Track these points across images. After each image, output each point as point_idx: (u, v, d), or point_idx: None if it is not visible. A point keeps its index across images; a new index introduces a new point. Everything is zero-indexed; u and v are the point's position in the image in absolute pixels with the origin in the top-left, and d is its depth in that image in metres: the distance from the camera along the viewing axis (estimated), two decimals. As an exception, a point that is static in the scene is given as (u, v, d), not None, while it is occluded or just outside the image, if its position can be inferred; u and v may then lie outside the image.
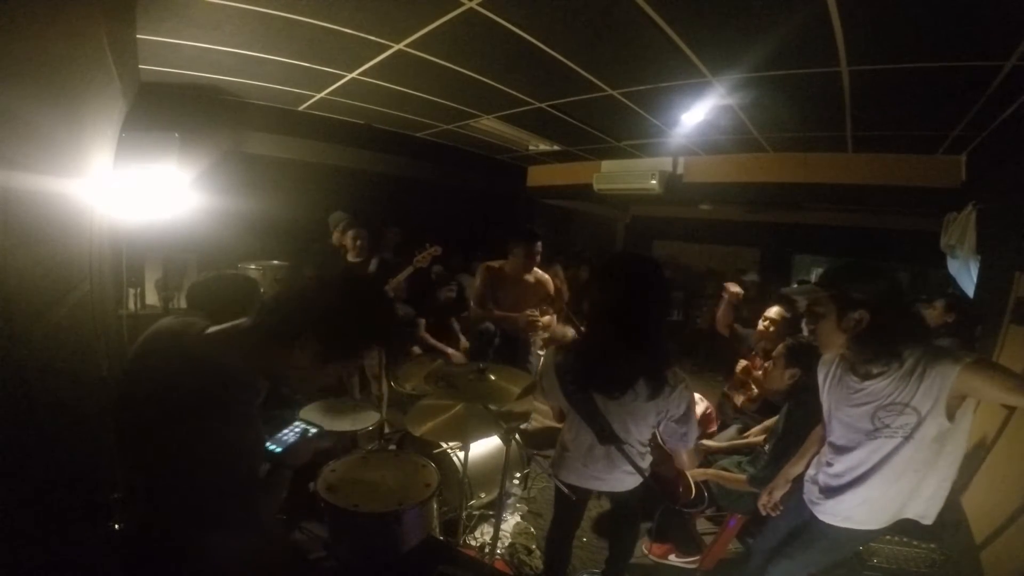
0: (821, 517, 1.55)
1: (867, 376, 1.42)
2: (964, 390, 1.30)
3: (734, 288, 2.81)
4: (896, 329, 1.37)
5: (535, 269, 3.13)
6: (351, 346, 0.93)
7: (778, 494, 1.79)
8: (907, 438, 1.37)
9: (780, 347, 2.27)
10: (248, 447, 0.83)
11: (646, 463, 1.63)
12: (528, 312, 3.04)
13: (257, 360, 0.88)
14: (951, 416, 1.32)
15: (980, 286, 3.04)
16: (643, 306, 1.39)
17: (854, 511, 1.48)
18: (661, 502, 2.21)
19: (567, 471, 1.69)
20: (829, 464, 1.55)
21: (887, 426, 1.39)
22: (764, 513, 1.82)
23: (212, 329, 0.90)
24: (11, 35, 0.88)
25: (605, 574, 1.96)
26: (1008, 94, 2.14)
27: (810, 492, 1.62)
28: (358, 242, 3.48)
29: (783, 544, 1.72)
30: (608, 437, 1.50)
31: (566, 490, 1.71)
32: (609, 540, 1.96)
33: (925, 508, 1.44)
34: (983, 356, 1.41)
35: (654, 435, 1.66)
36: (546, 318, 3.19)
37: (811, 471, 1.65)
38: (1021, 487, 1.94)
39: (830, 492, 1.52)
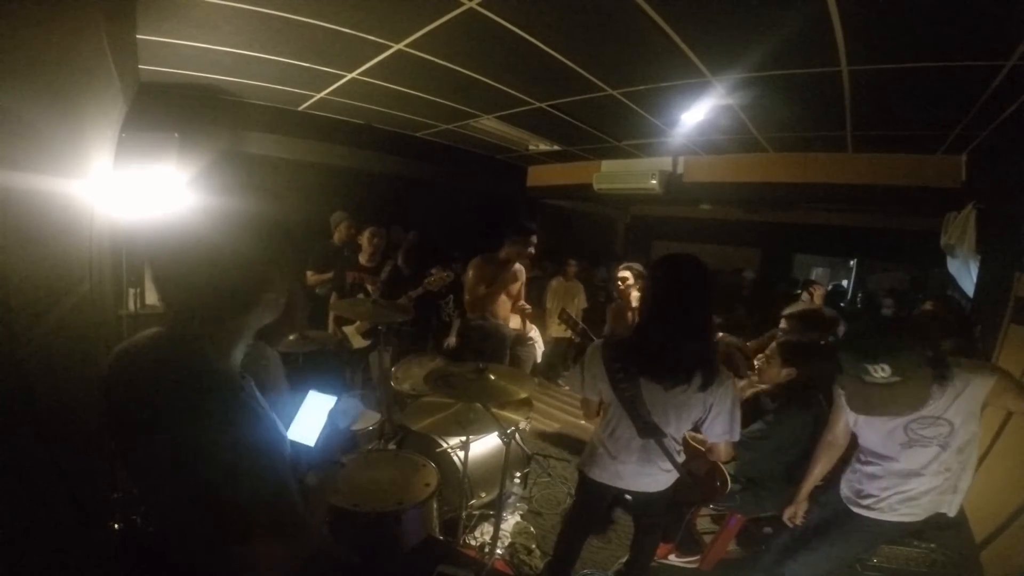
0: (858, 512, 1.59)
1: None
2: (994, 402, 1.37)
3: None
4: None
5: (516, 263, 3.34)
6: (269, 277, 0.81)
7: (803, 511, 1.82)
8: (943, 446, 1.42)
9: (774, 344, 2.24)
10: (263, 445, 0.74)
11: (681, 460, 1.67)
12: (519, 307, 3.34)
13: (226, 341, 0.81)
14: (977, 422, 1.40)
15: (980, 286, 3.04)
16: (697, 299, 1.49)
17: (894, 507, 1.52)
18: (693, 504, 2.25)
19: (598, 468, 1.71)
20: (866, 464, 1.59)
21: (921, 437, 1.44)
22: (791, 525, 1.85)
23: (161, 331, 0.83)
24: (11, 35, 0.88)
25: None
26: (1008, 94, 2.14)
27: (848, 490, 1.65)
28: (375, 240, 3.39)
29: (807, 537, 1.75)
30: (650, 430, 1.56)
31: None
32: (632, 543, 1.98)
33: (955, 502, 1.50)
34: (1003, 368, 1.48)
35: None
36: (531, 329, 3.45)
37: (848, 472, 1.68)
38: (1021, 487, 1.95)
39: (867, 491, 1.57)
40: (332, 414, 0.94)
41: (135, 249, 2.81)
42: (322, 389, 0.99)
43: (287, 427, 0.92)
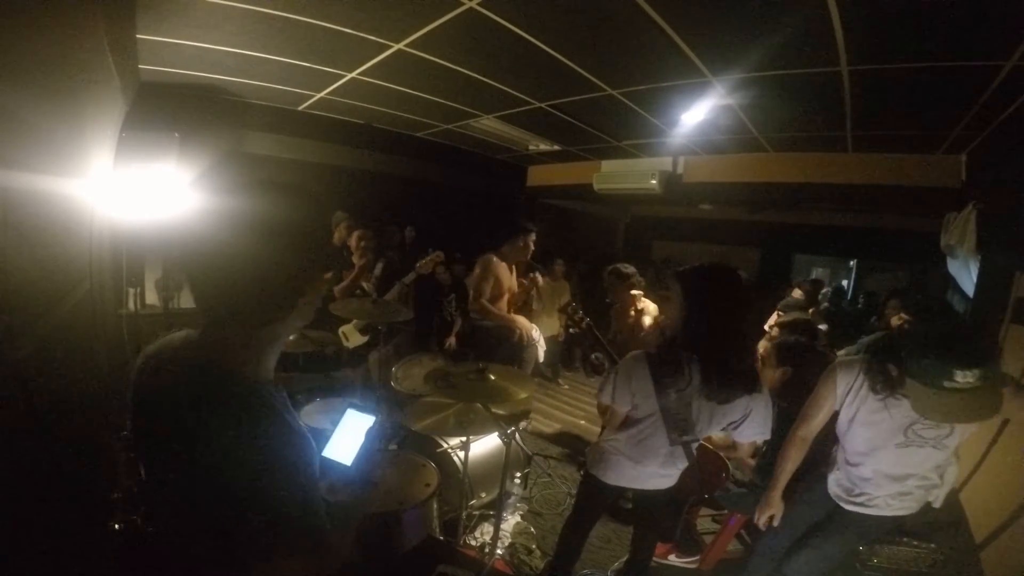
0: (850, 509, 1.59)
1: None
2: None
3: None
4: None
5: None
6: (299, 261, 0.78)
7: (779, 515, 1.76)
8: (936, 447, 1.43)
9: (768, 346, 2.25)
10: (294, 457, 0.71)
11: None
12: (524, 319, 3.28)
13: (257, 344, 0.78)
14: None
15: (980, 286, 3.04)
16: (744, 311, 1.51)
17: (888, 503, 1.53)
18: (694, 501, 2.29)
19: (614, 472, 1.69)
20: (854, 465, 1.59)
21: (920, 437, 1.44)
22: (763, 528, 1.80)
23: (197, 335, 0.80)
24: (11, 35, 0.88)
25: (624, 574, 1.99)
26: (1008, 94, 2.13)
27: (837, 489, 1.65)
28: (362, 243, 3.42)
29: (803, 537, 1.75)
30: (685, 438, 1.57)
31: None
32: (632, 541, 1.98)
33: (941, 494, 1.53)
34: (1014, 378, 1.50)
35: None
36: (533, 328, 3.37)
37: (836, 471, 1.68)
38: (1021, 487, 1.95)
39: (859, 490, 1.58)
40: (370, 433, 0.91)
41: (136, 249, 2.81)
42: (360, 408, 0.96)
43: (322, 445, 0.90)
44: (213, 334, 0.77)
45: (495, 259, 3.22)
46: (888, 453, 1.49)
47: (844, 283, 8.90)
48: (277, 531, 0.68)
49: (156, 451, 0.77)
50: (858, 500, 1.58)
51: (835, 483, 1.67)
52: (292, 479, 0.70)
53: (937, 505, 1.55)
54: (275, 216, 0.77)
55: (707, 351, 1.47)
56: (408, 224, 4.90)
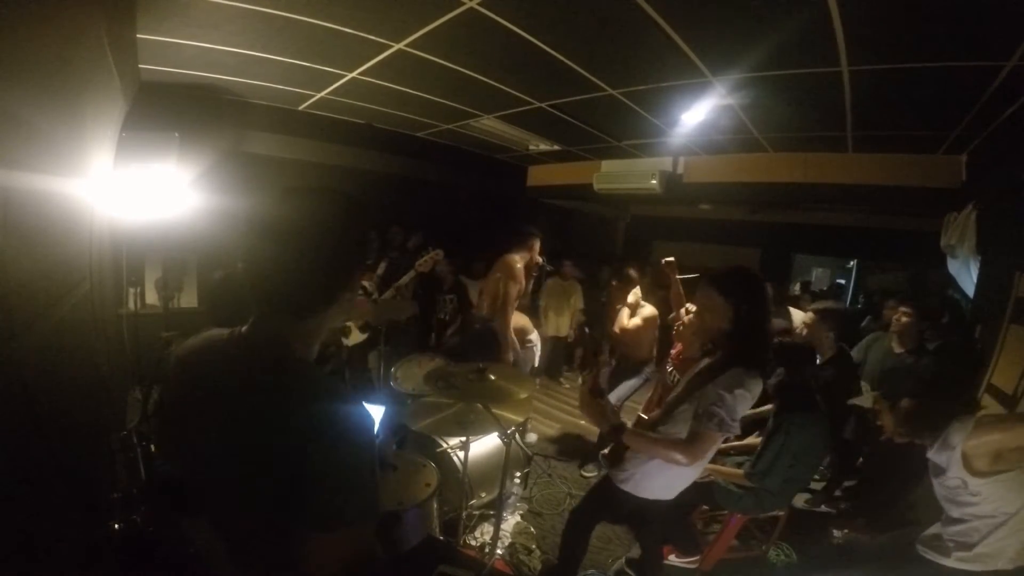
0: (921, 550, 1.60)
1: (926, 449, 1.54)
2: (986, 448, 1.38)
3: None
4: (940, 408, 1.52)
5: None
6: (342, 264, 0.82)
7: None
8: (973, 495, 1.43)
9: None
10: (366, 438, 0.76)
11: None
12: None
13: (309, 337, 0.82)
14: (979, 473, 1.39)
15: (980, 286, 3.04)
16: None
17: (953, 551, 1.53)
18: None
19: (676, 492, 1.69)
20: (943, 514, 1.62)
21: (947, 488, 1.48)
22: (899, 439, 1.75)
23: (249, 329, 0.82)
24: (11, 35, 0.88)
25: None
26: (1008, 94, 2.13)
27: (927, 532, 1.66)
28: None
29: (870, 560, 1.77)
30: None
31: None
32: (641, 543, 2.04)
33: (1005, 551, 1.44)
34: (980, 417, 1.52)
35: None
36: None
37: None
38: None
39: (938, 533, 1.59)
40: (383, 421, 0.94)
41: (136, 249, 2.80)
42: (370, 401, 0.99)
43: None
44: (266, 328, 0.80)
45: (520, 263, 3.17)
46: (945, 504, 1.52)
47: (841, 282, 8.90)
48: (343, 501, 0.70)
49: (215, 438, 0.79)
50: (932, 545, 1.58)
51: (932, 528, 1.66)
52: (364, 449, 0.74)
53: (1000, 565, 1.44)
54: (313, 219, 0.80)
55: (767, 352, 1.57)
56: (413, 232, 4.90)
